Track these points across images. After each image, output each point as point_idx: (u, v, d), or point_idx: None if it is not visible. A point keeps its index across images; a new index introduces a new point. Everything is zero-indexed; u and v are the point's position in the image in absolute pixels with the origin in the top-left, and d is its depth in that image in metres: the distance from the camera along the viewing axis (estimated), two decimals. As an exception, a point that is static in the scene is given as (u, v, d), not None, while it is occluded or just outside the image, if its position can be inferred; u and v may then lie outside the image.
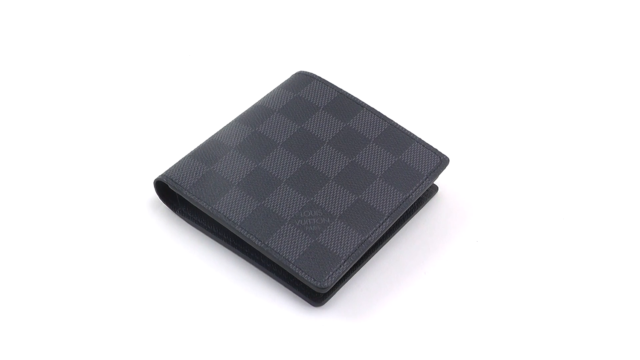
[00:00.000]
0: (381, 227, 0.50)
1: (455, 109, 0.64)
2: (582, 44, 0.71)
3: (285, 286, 0.50)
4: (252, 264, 0.51)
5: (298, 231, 0.49)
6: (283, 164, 0.53)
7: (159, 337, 0.47)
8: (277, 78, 0.61)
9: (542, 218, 0.56)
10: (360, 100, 0.57)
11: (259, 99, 0.58)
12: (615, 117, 0.64)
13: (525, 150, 0.61)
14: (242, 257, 0.51)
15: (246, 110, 0.57)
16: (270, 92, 0.58)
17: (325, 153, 0.54)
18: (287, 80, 0.59)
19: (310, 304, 0.49)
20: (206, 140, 0.54)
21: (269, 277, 0.50)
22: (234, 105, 0.60)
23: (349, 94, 0.58)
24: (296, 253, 0.48)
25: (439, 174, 0.54)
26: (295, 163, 0.53)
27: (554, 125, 0.63)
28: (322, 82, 0.58)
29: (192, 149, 0.54)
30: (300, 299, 0.49)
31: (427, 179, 0.53)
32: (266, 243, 0.48)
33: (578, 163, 0.60)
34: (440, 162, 0.54)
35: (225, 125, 0.56)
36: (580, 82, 0.67)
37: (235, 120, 0.56)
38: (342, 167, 0.53)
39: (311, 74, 0.59)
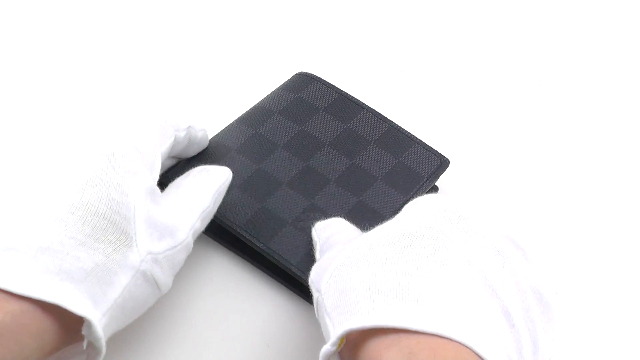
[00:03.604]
0: None
1: (455, 111, 0.64)
2: (579, 46, 0.71)
3: (286, 286, 0.50)
4: (252, 263, 0.51)
5: (299, 233, 0.49)
6: (284, 166, 0.52)
7: (158, 336, 0.48)
8: (278, 79, 0.61)
9: (542, 218, 0.56)
10: (360, 102, 0.57)
11: (260, 99, 0.58)
12: (614, 117, 0.64)
13: (525, 151, 0.61)
14: (242, 257, 0.51)
15: (247, 112, 0.57)
16: (271, 93, 0.58)
17: (326, 155, 0.54)
18: (287, 81, 0.59)
19: (311, 303, 0.49)
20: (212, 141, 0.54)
21: (269, 276, 0.51)
22: (235, 107, 0.60)
23: (350, 95, 0.58)
24: (297, 255, 0.48)
25: (439, 176, 0.54)
26: (296, 165, 0.53)
27: (553, 126, 0.63)
28: (323, 83, 0.58)
29: None
30: (301, 298, 0.50)
31: (428, 181, 0.53)
32: (268, 246, 0.48)
33: (578, 163, 0.60)
34: (440, 164, 0.54)
35: (226, 126, 0.56)
36: (578, 83, 0.67)
37: (236, 121, 0.56)
38: (342, 169, 0.53)
39: (311, 74, 0.59)
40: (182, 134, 0.47)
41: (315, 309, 0.40)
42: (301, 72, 0.59)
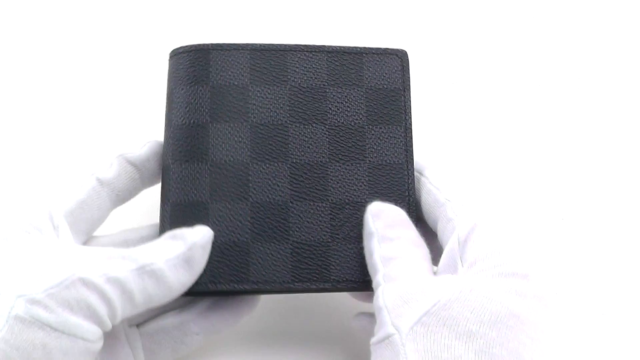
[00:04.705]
0: (409, 179, 0.45)
1: (452, 110, 0.64)
2: (579, 42, 0.71)
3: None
4: None
5: (349, 246, 0.43)
6: (272, 183, 0.43)
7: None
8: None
9: (542, 218, 0.56)
10: (277, 45, 0.46)
11: (166, 111, 0.46)
12: (614, 117, 0.64)
13: (525, 151, 0.61)
14: None
15: (172, 140, 0.44)
16: (175, 99, 0.45)
17: (298, 136, 0.44)
18: (175, 70, 0.46)
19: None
20: (167, 210, 0.43)
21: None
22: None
23: (260, 44, 0.46)
24: (357, 270, 0.42)
25: (409, 75, 0.47)
26: (282, 172, 0.43)
27: (553, 126, 0.63)
28: (222, 49, 0.45)
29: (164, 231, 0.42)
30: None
31: (406, 91, 0.46)
32: (330, 279, 0.42)
33: (578, 163, 0.60)
34: (402, 62, 0.46)
35: (164, 173, 0.44)
36: (578, 82, 0.67)
37: (174, 161, 0.43)
38: (326, 141, 0.44)
39: (198, 46, 0.46)
40: (109, 174, 0.44)
41: (383, 340, 0.37)
42: (181, 50, 0.46)
